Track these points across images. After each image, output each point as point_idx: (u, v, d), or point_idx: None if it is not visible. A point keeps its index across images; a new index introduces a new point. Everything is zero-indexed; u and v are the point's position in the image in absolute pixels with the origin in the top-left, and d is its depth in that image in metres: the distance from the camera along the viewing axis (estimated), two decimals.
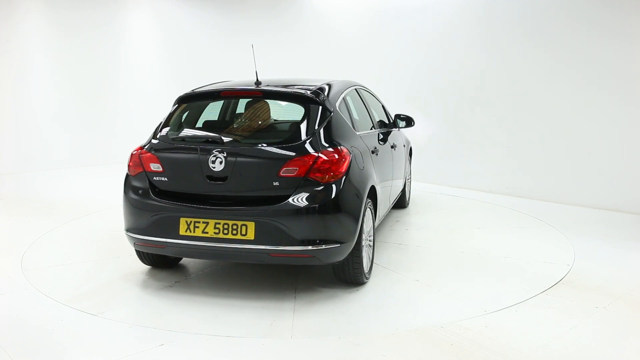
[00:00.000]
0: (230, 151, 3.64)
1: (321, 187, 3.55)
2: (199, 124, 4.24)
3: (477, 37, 7.65)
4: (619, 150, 6.38)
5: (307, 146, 3.63)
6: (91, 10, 9.48)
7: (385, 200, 4.88)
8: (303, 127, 3.78)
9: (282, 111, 4.44)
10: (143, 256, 4.21)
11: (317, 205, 3.52)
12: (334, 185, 3.58)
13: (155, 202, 3.73)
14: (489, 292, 3.92)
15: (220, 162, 3.60)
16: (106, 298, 3.84)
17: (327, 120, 3.84)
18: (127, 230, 3.91)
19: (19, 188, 7.92)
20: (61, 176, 8.59)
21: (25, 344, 3.19)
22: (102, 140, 9.74)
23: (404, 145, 6.07)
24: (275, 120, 4.52)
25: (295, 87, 4.10)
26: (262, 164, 3.63)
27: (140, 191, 3.83)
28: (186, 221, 3.61)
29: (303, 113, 3.86)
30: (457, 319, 3.46)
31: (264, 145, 3.69)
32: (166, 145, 3.90)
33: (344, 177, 3.65)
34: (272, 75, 5.06)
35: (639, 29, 6.11)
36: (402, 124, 5.70)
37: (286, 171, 3.54)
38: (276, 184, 3.54)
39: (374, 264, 4.33)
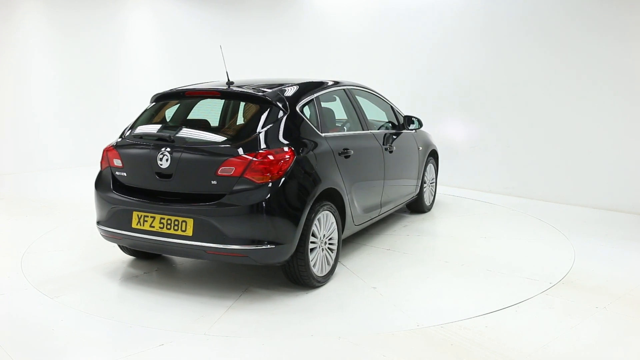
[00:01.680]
0: (176, 149, 3.76)
1: (255, 188, 3.57)
2: (161, 122, 4.31)
3: (476, 37, 7.65)
4: (619, 150, 6.38)
5: (246, 146, 3.66)
6: (91, 10, 9.48)
7: (367, 203, 4.69)
8: (248, 127, 3.84)
9: (237, 111, 4.38)
10: (121, 247, 4.49)
11: (249, 206, 3.54)
12: (268, 186, 3.58)
13: (114, 195, 3.97)
14: (489, 292, 3.92)
15: (167, 160, 3.75)
16: (106, 298, 3.84)
17: (277, 121, 3.83)
18: (97, 222, 4.15)
19: (19, 188, 7.92)
20: (61, 176, 8.59)
21: (25, 344, 3.19)
22: (102, 140, 9.65)
23: (420, 148, 5.81)
24: (227, 120, 4.46)
25: (258, 87, 4.12)
26: (202, 162, 3.71)
27: (104, 185, 4.09)
28: (137, 215, 3.81)
29: (253, 113, 3.92)
30: (457, 319, 3.46)
31: (207, 144, 3.82)
32: (127, 142, 4.10)
33: (282, 178, 3.63)
34: (271, 75, 5.07)
35: (639, 28, 6.12)
36: (411, 126, 5.63)
37: (223, 170, 3.60)
38: (214, 182, 3.62)
39: (347, 268, 4.34)
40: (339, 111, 4.94)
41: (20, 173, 8.76)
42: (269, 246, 3.59)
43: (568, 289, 3.98)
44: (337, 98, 4.94)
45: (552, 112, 6.95)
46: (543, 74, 6.96)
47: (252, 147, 3.65)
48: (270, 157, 3.62)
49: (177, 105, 4.39)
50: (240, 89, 4.10)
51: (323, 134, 4.18)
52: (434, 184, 6.41)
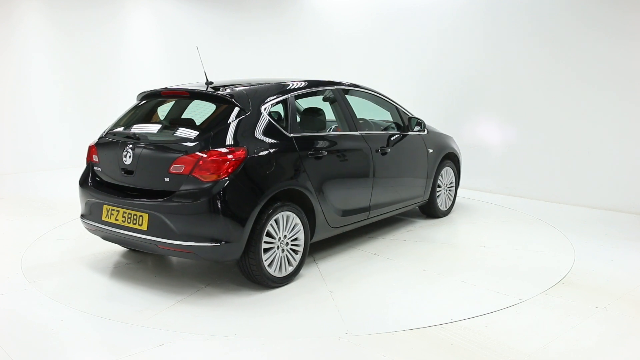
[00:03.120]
0: (137, 147, 3.93)
1: (202, 186, 3.63)
2: (135, 120, 4.40)
3: (476, 38, 7.65)
4: (619, 150, 6.38)
5: (198, 145, 3.73)
6: (91, 10, 9.48)
7: (349, 206, 4.60)
8: (205, 126, 3.91)
9: (203, 111, 4.37)
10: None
11: (194, 203, 3.62)
12: (215, 185, 3.63)
13: (89, 189, 4.22)
14: (489, 293, 3.92)
15: (130, 157, 3.94)
16: (106, 298, 3.84)
17: (235, 121, 3.87)
18: (80, 215, 4.39)
19: (19, 188, 7.92)
20: (61, 176, 8.59)
21: (25, 344, 3.19)
22: None
23: (430, 151, 5.61)
24: (191, 119, 4.40)
25: (229, 88, 4.17)
26: (157, 160, 3.85)
27: (84, 180, 4.36)
28: (107, 208, 4.03)
29: (214, 113, 4.00)
30: (457, 319, 3.46)
31: (164, 142, 3.95)
32: (104, 139, 4.31)
33: (230, 177, 3.66)
34: (265, 76, 5.07)
35: (639, 27, 6.12)
36: (416, 127, 5.49)
37: (175, 168, 3.71)
38: (167, 179, 3.74)
39: (318, 270, 4.33)
40: (328, 112, 4.90)
41: (20, 173, 8.76)
42: (214, 244, 3.65)
43: (568, 289, 3.98)
44: (324, 98, 4.91)
45: (552, 112, 6.95)
46: (543, 74, 6.96)
47: (203, 145, 3.73)
48: (218, 156, 3.67)
49: (154, 105, 4.47)
50: (204, 90, 4.19)
51: (292, 134, 4.16)
52: (453, 188, 6.15)
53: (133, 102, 4.63)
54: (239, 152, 3.74)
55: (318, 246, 4.89)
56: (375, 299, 3.81)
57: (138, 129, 4.23)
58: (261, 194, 3.79)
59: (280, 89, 4.33)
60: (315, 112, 4.67)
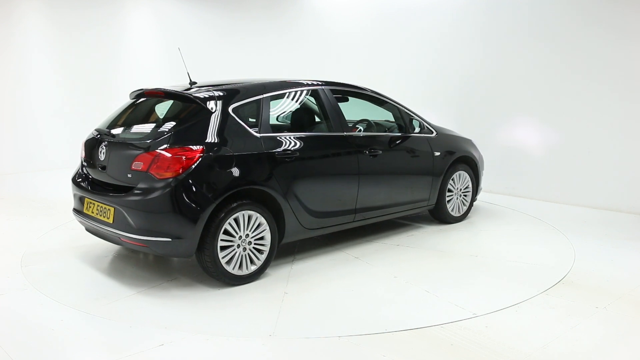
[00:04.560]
0: (110, 144, 4.18)
1: (157, 183, 3.76)
2: (117, 118, 4.53)
3: (475, 38, 7.66)
4: (619, 150, 6.38)
5: (158, 143, 3.85)
6: (91, 9, 9.48)
7: (328, 208, 4.56)
8: (169, 125, 4.01)
9: (174, 111, 4.39)
10: None
11: (147, 199, 3.75)
12: (168, 182, 3.74)
13: (76, 184, 4.46)
14: (489, 292, 3.92)
15: (103, 153, 4.20)
16: (106, 298, 3.84)
17: (198, 121, 3.96)
18: (72, 209, 4.57)
19: (19, 188, 7.92)
20: (61, 176, 8.56)
21: (25, 344, 3.19)
22: None
23: (437, 154, 5.42)
24: (160, 118, 4.44)
25: (201, 89, 4.25)
26: (123, 156, 4.03)
27: (74, 174, 4.61)
28: (87, 201, 4.27)
29: (180, 113, 4.13)
30: (457, 319, 3.46)
31: (129, 140, 4.11)
32: (90, 136, 4.54)
33: (183, 175, 3.74)
34: (271, 75, 5.06)
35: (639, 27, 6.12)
36: (417, 129, 5.35)
37: (135, 165, 3.87)
38: (129, 175, 3.92)
39: (284, 271, 4.32)
40: (312, 112, 4.87)
41: (20, 173, 8.76)
42: (166, 239, 3.76)
43: (568, 289, 3.98)
44: (308, 99, 4.89)
45: (552, 112, 6.95)
46: (543, 74, 6.96)
47: (162, 144, 3.84)
48: (173, 155, 3.78)
49: (138, 104, 4.56)
50: (175, 90, 4.27)
51: (261, 135, 4.17)
52: (469, 193, 5.88)
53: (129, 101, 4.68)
54: (195, 151, 3.82)
55: (305, 246, 4.93)
56: (324, 304, 3.72)
57: (115, 126, 4.40)
58: (216, 192, 3.84)
59: (255, 89, 4.35)
60: (299, 112, 4.66)
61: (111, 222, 3.96)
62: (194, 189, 3.77)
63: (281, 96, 4.61)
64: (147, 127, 4.23)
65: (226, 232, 3.91)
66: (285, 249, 4.86)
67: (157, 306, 3.69)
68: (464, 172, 5.78)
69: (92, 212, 4.17)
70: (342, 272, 4.36)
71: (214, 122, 3.99)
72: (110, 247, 4.90)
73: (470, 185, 5.89)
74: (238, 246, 3.99)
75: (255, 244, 4.09)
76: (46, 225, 5.67)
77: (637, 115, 6.22)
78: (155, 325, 3.38)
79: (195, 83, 4.54)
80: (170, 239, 3.76)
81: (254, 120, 4.25)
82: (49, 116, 9.24)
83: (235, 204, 3.92)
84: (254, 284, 4.08)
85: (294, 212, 4.30)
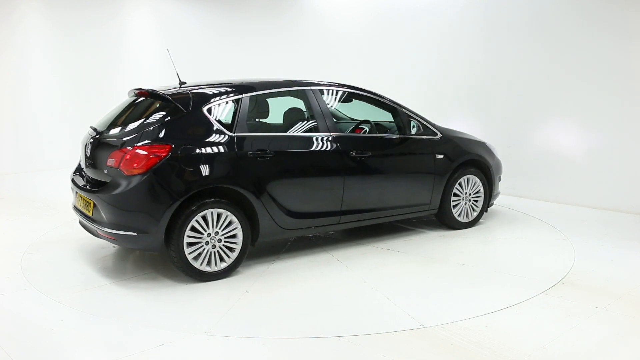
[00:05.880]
0: (94, 141, 4.34)
1: (125, 179, 3.91)
2: (109, 117, 4.61)
3: (476, 38, 7.65)
4: (619, 150, 6.38)
5: (130, 141, 3.99)
6: (91, 9, 9.48)
7: (309, 209, 4.53)
8: (143, 124, 4.12)
9: (148, 110, 4.44)
10: None
11: (117, 194, 3.91)
12: (135, 178, 3.88)
13: (71, 179, 4.64)
14: (489, 292, 3.92)
15: (89, 150, 4.37)
16: (106, 298, 3.85)
17: (170, 119, 4.09)
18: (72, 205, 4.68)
19: (19, 188, 7.93)
20: (61, 176, 8.56)
21: (25, 344, 3.19)
22: None
23: (439, 156, 5.22)
24: (138, 117, 4.41)
25: (182, 89, 4.38)
26: (102, 153, 4.19)
27: (74, 170, 4.82)
28: (78, 195, 4.44)
29: (154, 112, 4.23)
30: (457, 319, 3.46)
31: (108, 138, 4.22)
32: (85, 133, 4.65)
33: (149, 172, 3.86)
34: (270, 75, 5.06)
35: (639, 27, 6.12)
36: (413, 130, 5.14)
37: (109, 161, 4.04)
38: (105, 172, 4.10)
39: (257, 270, 4.34)
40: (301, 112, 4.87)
41: (20, 173, 8.76)
42: (132, 233, 3.91)
43: (568, 289, 3.98)
44: (294, 99, 4.88)
45: (553, 112, 6.95)
46: (543, 74, 6.96)
47: (132, 141, 3.98)
48: (140, 152, 3.91)
49: (129, 102, 4.62)
50: (152, 90, 4.40)
51: (235, 134, 4.22)
52: (480, 199, 5.59)
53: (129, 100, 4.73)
54: (162, 149, 3.93)
55: (294, 245, 4.96)
56: (276, 305, 3.72)
57: (103, 124, 4.49)
58: (181, 190, 3.93)
59: (234, 89, 4.42)
60: (282, 112, 4.68)
61: (91, 215, 4.15)
62: (159, 185, 3.89)
63: (264, 96, 4.64)
64: (125, 126, 4.31)
65: (194, 229, 4.00)
66: (273, 247, 4.91)
67: (125, 297, 3.85)
68: (473, 176, 5.50)
69: (80, 206, 4.38)
70: (316, 273, 4.33)
71: (186, 121, 4.13)
72: (110, 248, 4.90)
73: (482, 190, 5.59)
74: (207, 243, 4.07)
75: (226, 241, 4.15)
76: (46, 226, 5.67)
77: (637, 115, 6.22)
78: (157, 326, 3.38)
79: (184, 83, 4.63)
80: (136, 234, 3.91)
81: (230, 120, 4.30)
82: (49, 116, 9.24)
83: (203, 202, 4.00)
84: (222, 280, 4.13)
85: (269, 211, 4.32)
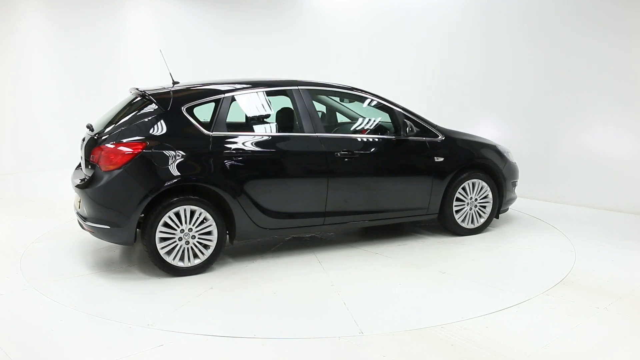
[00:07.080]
0: (86, 138, 4.47)
1: (102, 174, 4.09)
2: (106, 115, 4.71)
3: (476, 38, 7.65)
4: (619, 150, 6.37)
5: (109, 138, 4.15)
6: (91, 9, 9.48)
7: (290, 209, 4.51)
8: (125, 122, 4.25)
9: (135, 109, 4.45)
10: None
11: (94, 188, 4.10)
12: (108, 174, 4.05)
13: (72, 178, 4.70)
14: (489, 293, 3.92)
15: (83, 147, 4.51)
16: (107, 298, 3.84)
17: (149, 118, 4.23)
18: None
19: (19, 188, 7.92)
20: (61, 176, 8.55)
21: (25, 344, 3.18)
22: None
23: (439, 159, 5.04)
24: (124, 116, 4.45)
25: (166, 89, 4.48)
26: (88, 150, 4.33)
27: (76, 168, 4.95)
28: (75, 191, 4.50)
29: (137, 110, 4.34)
30: (457, 319, 3.45)
31: (96, 135, 4.32)
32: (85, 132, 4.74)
33: (121, 168, 4.03)
34: (269, 75, 5.05)
35: (639, 27, 6.11)
36: (413, 131, 4.94)
37: (92, 157, 4.20)
38: (89, 167, 4.26)
39: (241, 269, 4.38)
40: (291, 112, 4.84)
41: (20, 173, 8.76)
42: (105, 226, 4.09)
43: (568, 289, 3.97)
44: (280, 99, 4.87)
45: (553, 112, 6.94)
46: (543, 74, 6.96)
47: (112, 138, 4.14)
48: (114, 148, 4.07)
49: (125, 101, 4.71)
50: (138, 90, 4.56)
51: (213, 133, 4.29)
52: (488, 204, 5.35)
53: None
54: (136, 146, 4.07)
55: (286, 245, 4.98)
56: (234, 304, 3.73)
57: (97, 123, 4.61)
58: (152, 186, 4.05)
59: (216, 90, 4.52)
60: (264, 112, 4.71)
61: (79, 209, 4.37)
62: (131, 181, 4.05)
63: (248, 96, 4.66)
64: (113, 124, 4.38)
65: (167, 225, 4.12)
66: (264, 246, 4.94)
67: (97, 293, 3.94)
68: (480, 180, 5.25)
69: (75, 203, 4.56)
70: (289, 274, 4.31)
71: (164, 120, 4.24)
72: (110, 247, 4.90)
73: (490, 196, 5.33)
74: (180, 239, 4.17)
75: (200, 238, 4.24)
76: (46, 226, 5.67)
77: (637, 115, 6.21)
78: (156, 326, 3.38)
79: (177, 83, 4.74)
80: (109, 227, 4.08)
81: (209, 119, 4.38)
82: (49, 116, 9.23)
83: (175, 199, 4.11)
84: (194, 276, 4.20)
85: (245, 210, 4.35)
